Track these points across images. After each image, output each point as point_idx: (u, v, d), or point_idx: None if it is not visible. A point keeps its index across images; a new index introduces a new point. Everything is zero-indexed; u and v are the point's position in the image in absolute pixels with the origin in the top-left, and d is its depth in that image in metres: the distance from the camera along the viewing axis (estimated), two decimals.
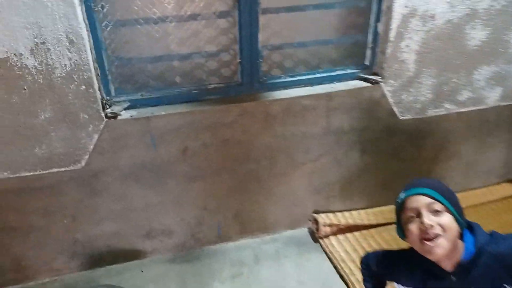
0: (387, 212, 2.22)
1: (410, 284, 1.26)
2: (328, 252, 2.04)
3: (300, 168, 2.03)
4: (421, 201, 1.08)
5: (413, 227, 1.09)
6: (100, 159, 1.76)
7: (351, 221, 2.15)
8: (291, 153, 1.99)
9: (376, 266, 1.37)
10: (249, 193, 2.03)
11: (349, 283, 1.86)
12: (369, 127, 2.03)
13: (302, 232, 2.20)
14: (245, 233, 2.14)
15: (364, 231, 2.17)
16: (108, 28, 1.69)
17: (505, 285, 1.15)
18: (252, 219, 2.11)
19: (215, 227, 2.07)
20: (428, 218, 1.06)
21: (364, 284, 1.43)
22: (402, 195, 1.14)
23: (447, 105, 2.11)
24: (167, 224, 1.99)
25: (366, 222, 2.16)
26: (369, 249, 2.05)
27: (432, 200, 1.07)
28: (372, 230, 2.17)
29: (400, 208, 1.14)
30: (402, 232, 1.15)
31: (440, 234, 1.06)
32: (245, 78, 1.90)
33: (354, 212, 2.21)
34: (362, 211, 2.22)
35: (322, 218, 2.12)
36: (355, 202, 2.23)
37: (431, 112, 2.11)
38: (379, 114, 2.01)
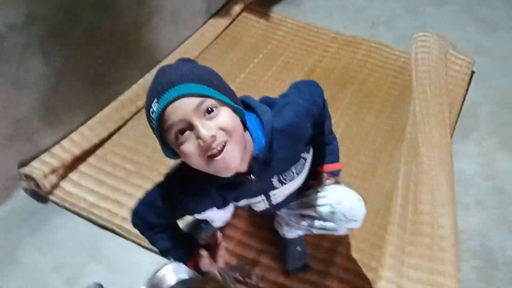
0: (113, 112, 1.71)
1: (207, 206, 0.99)
2: (69, 205, 1.47)
3: None
4: (185, 106, 0.74)
5: (189, 147, 0.76)
6: None
7: (76, 150, 1.55)
8: None
9: (155, 214, 0.97)
10: None
11: (115, 227, 1.41)
12: (37, 16, 1.29)
13: (19, 199, 1.49)
14: None
15: (99, 152, 1.64)
16: None
17: (302, 155, 1.01)
18: None
19: None
20: (205, 128, 0.74)
21: (157, 246, 1.02)
22: (155, 108, 0.75)
23: None
24: None
25: (95, 139, 1.62)
26: (116, 170, 1.58)
27: (199, 99, 0.74)
28: (107, 144, 1.67)
29: (159, 126, 0.77)
30: (173, 152, 0.82)
31: (226, 141, 0.77)
32: None
33: (74, 136, 1.60)
34: (82, 129, 1.63)
35: (37, 168, 1.45)
36: (68, 123, 1.60)
37: None
38: None
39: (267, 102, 0.96)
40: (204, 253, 0.94)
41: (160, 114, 0.74)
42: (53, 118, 1.53)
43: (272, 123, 0.88)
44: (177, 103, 0.73)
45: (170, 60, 1.95)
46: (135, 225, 1.01)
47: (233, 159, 0.78)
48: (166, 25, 1.89)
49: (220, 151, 0.76)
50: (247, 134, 0.87)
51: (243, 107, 0.87)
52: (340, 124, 1.77)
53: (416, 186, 1.51)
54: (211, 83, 0.77)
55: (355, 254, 1.37)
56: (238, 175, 0.87)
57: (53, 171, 1.48)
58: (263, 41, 2.16)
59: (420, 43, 1.99)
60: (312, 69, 2.02)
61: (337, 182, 1.12)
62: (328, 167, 1.11)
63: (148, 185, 1.50)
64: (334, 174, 1.13)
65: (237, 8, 2.24)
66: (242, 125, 0.82)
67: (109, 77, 1.69)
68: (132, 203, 1.46)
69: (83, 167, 1.58)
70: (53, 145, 1.55)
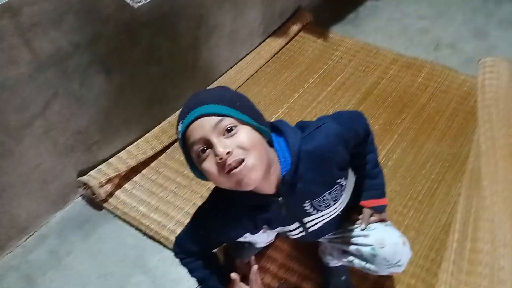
0: (168, 127, 1.76)
1: (240, 233, 0.99)
2: (121, 214, 1.53)
3: (23, 134, 1.31)
4: (204, 125, 0.77)
5: (208, 165, 0.78)
6: None
7: (132, 161, 1.62)
8: None
9: (193, 243, 0.99)
10: None
11: (162, 239, 1.45)
12: (100, 36, 1.37)
13: (76, 206, 1.58)
14: None
15: (152, 164, 1.70)
16: None
17: (338, 181, 0.96)
18: None
19: None
20: (222, 145, 0.76)
21: (194, 275, 1.03)
22: (179, 128, 0.81)
23: None
24: None
25: (150, 152, 1.68)
26: (168, 183, 1.62)
27: (218, 118, 0.77)
28: (161, 157, 1.72)
29: (184, 144, 0.82)
30: (201, 172, 0.84)
31: (244, 157, 0.77)
32: None
33: (130, 148, 1.67)
34: (140, 141, 1.70)
35: (94, 177, 1.53)
36: (125, 136, 1.67)
37: None
38: (104, 12, 1.34)
39: (301, 125, 0.95)
40: (235, 276, 0.93)
41: (183, 134, 0.80)
42: (112, 131, 1.61)
43: (299, 145, 0.87)
44: (197, 122, 0.77)
45: (225, 78, 1.99)
46: (176, 253, 1.04)
47: (253, 171, 0.77)
48: (223, 45, 1.93)
49: (238, 165, 0.76)
50: (274, 155, 0.87)
51: (274, 130, 0.89)
52: (396, 150, 1.70)
53: (476, 222, 1.40)
54: (232, 104, 0.80)
55: None
56: (266, 196, 0.88)
57: (109, 181, 1.55)
58: (320, 61, 2.13)
59: (488, 68, 1.87)
60: (369, 91, 1.96)
61: (382, 219, 1.07)
62: (371, 203, 1.06)
63: (197, 200, 1.55)
64: (378, 210, 1.07)
65: (295, 28, 2.25)
66: (264, 144, 0.83)
67: (166, 94, 1.75)
68: (180, 216, 1.51)
69: (137, 178, 1.64)
70: (111, 156, 1.63)
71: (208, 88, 0.88)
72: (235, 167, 0.76)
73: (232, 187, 0.80)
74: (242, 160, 0.76)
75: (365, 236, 1.03)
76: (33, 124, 1.32)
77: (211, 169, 0.78)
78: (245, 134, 0.78)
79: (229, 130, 0.77)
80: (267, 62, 2.13)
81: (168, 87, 1.74)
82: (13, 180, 1.35)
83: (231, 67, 2.04)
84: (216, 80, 1.96)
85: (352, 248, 1.06)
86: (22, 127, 1.30)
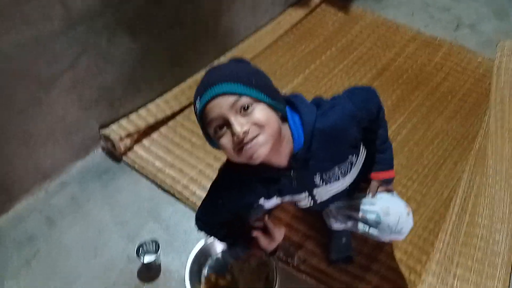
0: (187, 89, 1.83)
1: (254, 200, 1.06)
2: (138, 167, 1.61)
3: (53, 86, 1.38)
4: (222, 104, 0.81)
5: (225, 141, 0.84)
6: None
7: (151, 119, 1.70)
8: (28, 74, 1.31)
9: (213, 214, 1.07)
10: None
11: (176, 193, 1.53)
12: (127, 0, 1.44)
13: (97, 157, 1.67)
14: (16, 199, 1.52)
15: (170, 123, 1.77)
16: None
17: (350, 157, 1.01)
18: (15, 180, 1.47)
19: None
20: (239, 124, 0.81)
21: (224, 241, 1.13)
22: (198, 105, 0.85)
23: None
24: None
25: (168, 111, 1.75)
26: (184, 142, 1.69)
27: (235, 97, 0.81)
28: (179, 117, 1.79)
29: (202, 120, 0.86)
30: (215, 143, 0.89)
31: (259, 133, 0.82)
32: None
33: (150, 106, 1.75)
34: (159, 100, 1.77)
35: (115, 131, 1.61)
36: (146, 94, 1.75)
37: None
38: None
39: (317, 102, 0.98)
40: (258, 234, 1.01)
41: (201, 111, 0.84)
42: (134, 89, 1.68)
43: (313, 124, 0.91)
44: (215, 101, 0.81)
45: (244, 45, 2.03)
46: (199, 228, 1.10)
47: (261, 148, 0.82)
48: (245, 12, 1.96)
49: (250, 141, 0.81)
50: (287, 131, 0.91)
51: (289, 105, 0.92)
52: (406, 125, 1.74)
53: (476, 198, 1.46)
54: (248, 82, 0.83)
55: (401, 255, 1.36)
56: (278, 170, 0.93)
57: (129, 135, 1.63)
58: (339, 34, 2.16)
59: (506, 51, 1.88)
60: (385, 67, 1.99)
61: (388, 190, 1.13)
62: (379, 175, 1.12)
63: (209, 159, 1.63)
64: (387, 182, 1.13)
65: None
66: (279, 121, 0.87)
67: (187, 57, 1.81)
68: (194, 173, 1.59)
69: (155, 135, 1.72)
70: (131, 112, 1.71)
71: (225, 62, 0.92)
72: (247, 143, 0.81)
73: (244, 161, 0.85)
74: (255, 136, 0.81)
75: (372, 204, 1.09)
76: (62, 77, 1.40)
77: (227, 145, 0.83)
78: (260, 111, 0.82)
79: (246, 108, 0.81)
80: (286, 32, 2.16)
81: (189, 50, 1.80)
82: (40, 128, 1.44)
83: (251, 35, 2.08)
84: (235, 46, 2.01)
85: (357, 214, 1.12)
86: (52, 79, 1.37)
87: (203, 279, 1.29)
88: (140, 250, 1.33)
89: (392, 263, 1.34)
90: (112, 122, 1.66)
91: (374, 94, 1.04)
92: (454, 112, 1.80)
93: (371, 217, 1.08)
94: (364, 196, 1.12)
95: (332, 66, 2.00)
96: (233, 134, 0.81)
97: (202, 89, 0.84)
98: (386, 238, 1.10)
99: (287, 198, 1.09)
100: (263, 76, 0.89)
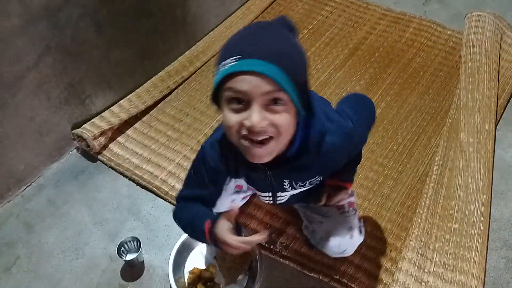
0: (159, 82, 1.80)
1: (229, 171, 1.01)
2: (115, 165, 1.59)
3: (18, 86, 1.34)
4: (256, 85, 0.69)
5: (233, 118, 0.74)
6: None
7: (124, 115, 1.67)
8: None
9: (193, 187, 1.04)
10: None
11: (155, 189, 1.52)
12: None
13: (71, 157, 1.63)
14: None
15: (145, 118, 1.74)
16: None
17: (326, 175, 1.05)
18: None
19: None
20: (260, 116, 0.71)
21: (188, 213, 1.04)
22: (228, 65, 0.70)
23: None
24: None
25: (141, 106, 1.72)
26: (159, 136, 1.67)
27: (273, 88, 0.70)
28: (153, 112, 1.77)
29: (221, 82, 0.73)
30: (218, 103, 0.78)
31: (272, 137, 0.75)
32: None
33: (122, 102, 1.71)
34: (131, 96, 1.74)
35: (88, 129, 1.58)
36: (117, 90, 1.71)
37: None
38: None
39: (324, 111, 0.91)
40: (225, 248, 0.89)
41: (229, 73, 0.71)
42: (104, 85, 1.65)
43: (322, 136, 0.87)
44: (250, 77, 0.69)
45: (215, 33, 2.00)
46: (177, 202, 1.09)
47: (267, 156, 0.78)
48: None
49: (262, 143, 0.75)
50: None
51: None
52: (380, 105, 1.75)
53: (451, 171, 1.48)
54: (295, 78, 0.72)
55: (380, 233, 1.39)
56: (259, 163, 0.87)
57: (103, 133, 1.60)
58: (309, 16, 2.14)
59: (474, 23, 1.90)
60: (357, 47, 1.99)
61: (339, 207, 1.17)
62: (335, 182, 1.14)
63: (187, 152, 1.62)
64: (340, 190, 1.15)
65: None
66: (294, 128, 0.80)
67: (157, 49, 1.77)
68: (171, 167, 1.58)
69: (129, 131, 1.70)
70: (104, 109, 1.68)
71: (275, 21, 0.82)
72: (259, 143, 0.75)
73: (238, 147, 0.79)
74: (268, 140, 0.75)
75: (320, 223, 1.17)
76: (27, 76, 1.36)
77: (232, 122, 0.74)
78: (286, 117, 0.74)
79: (276, 103, 0.72)
80: (256, 17, 2.13)
81: (159, 42, 1.76)
82: (9, 131, 1.40)
83: (221, 22, 2.05)
84: (206, 34, 1.98)
85: (310, 226, 1.22)
86: (16, 79, 1.33)
87: (186, 273, 1.30)
88: (122, 249, 1.33)
89: (372, 242, 1.36)
90: (85, 121, 1.62)
91: (374, 120, 1.08)
92: (427, 87, 1.82)
93: (318, 235, 1.18)
94: (319, 211, 1.19)
95: (304, 49, 1.98)
96: (248, 119, 0.71)
97: (244, 47, 0.71)
98: (332, 255, 1.21)
99: (250, 189, 1.10)
100: (305, 61, 0.78)
